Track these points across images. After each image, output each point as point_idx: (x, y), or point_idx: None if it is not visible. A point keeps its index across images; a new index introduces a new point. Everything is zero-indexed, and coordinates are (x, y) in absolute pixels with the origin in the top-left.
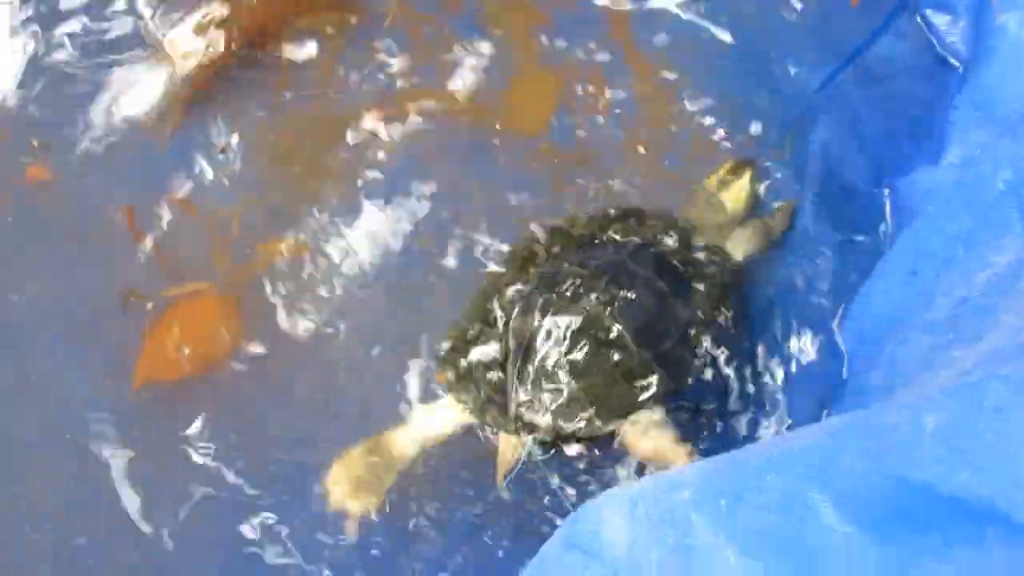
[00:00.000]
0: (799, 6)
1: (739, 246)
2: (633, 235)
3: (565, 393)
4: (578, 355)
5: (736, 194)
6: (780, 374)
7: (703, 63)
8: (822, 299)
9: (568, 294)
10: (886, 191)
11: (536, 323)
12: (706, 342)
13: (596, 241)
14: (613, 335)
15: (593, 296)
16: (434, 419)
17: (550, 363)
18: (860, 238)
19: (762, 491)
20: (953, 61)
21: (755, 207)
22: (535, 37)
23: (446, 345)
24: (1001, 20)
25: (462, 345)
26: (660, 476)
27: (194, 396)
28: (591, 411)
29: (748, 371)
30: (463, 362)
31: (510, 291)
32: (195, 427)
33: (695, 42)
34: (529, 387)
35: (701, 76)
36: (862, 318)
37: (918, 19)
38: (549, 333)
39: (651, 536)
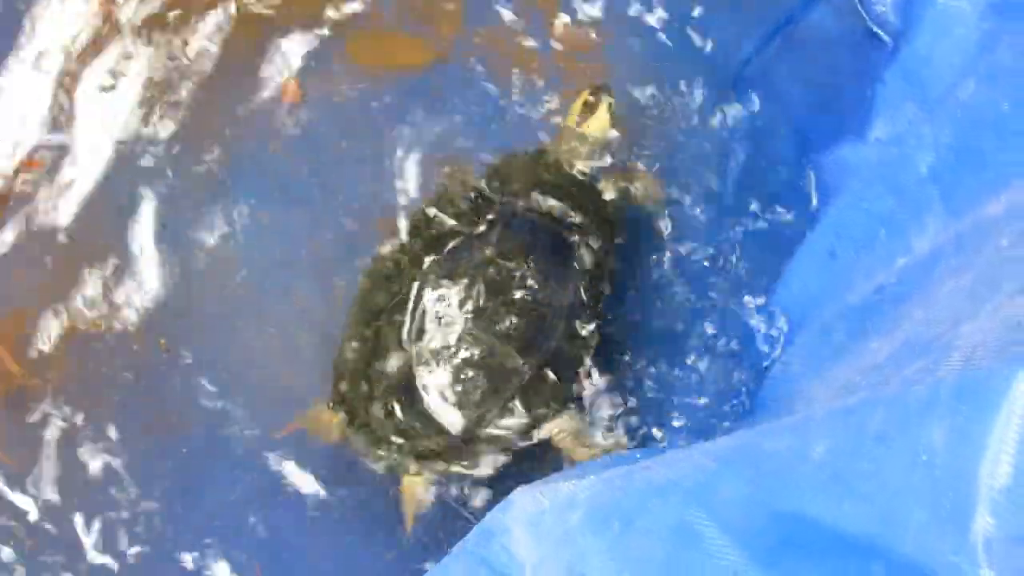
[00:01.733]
0: None
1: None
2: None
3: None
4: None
5: (597, 124)
6: (699, 357)
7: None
8: (743, 278)
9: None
10: (810, 166)
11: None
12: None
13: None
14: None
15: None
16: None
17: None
18: (785, 215)
19: (649, 515)
20: (882, 33)
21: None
22: None
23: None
24: None
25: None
26: (558, 488)
27: None
28: (484, 385)
29: (660, 353)
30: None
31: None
32: None
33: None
34: (431, 364)
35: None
36: (783, 300)
37: None
38: (442, 298)
39: (554, 555)
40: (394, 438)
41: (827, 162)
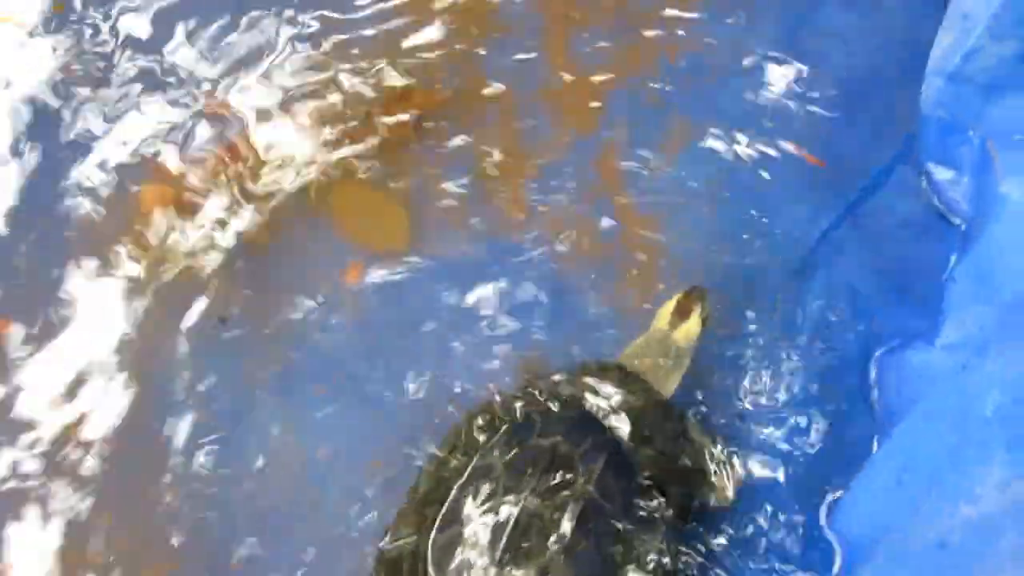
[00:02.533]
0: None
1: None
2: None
3: None
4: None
5: (687, 331)
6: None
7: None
8: (809, 481)
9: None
10: (874, 368)
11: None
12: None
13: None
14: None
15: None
16: None
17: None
18: (855, 418)
19: None
20: (955, 220)
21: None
22: None
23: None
24: (1004, 188)
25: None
26: None
27: None
28: None
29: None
30: None
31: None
32: None
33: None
34: None
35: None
36: (850, 518)
37: (920, 175)
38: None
39: None
40: None
41: (894, 363)
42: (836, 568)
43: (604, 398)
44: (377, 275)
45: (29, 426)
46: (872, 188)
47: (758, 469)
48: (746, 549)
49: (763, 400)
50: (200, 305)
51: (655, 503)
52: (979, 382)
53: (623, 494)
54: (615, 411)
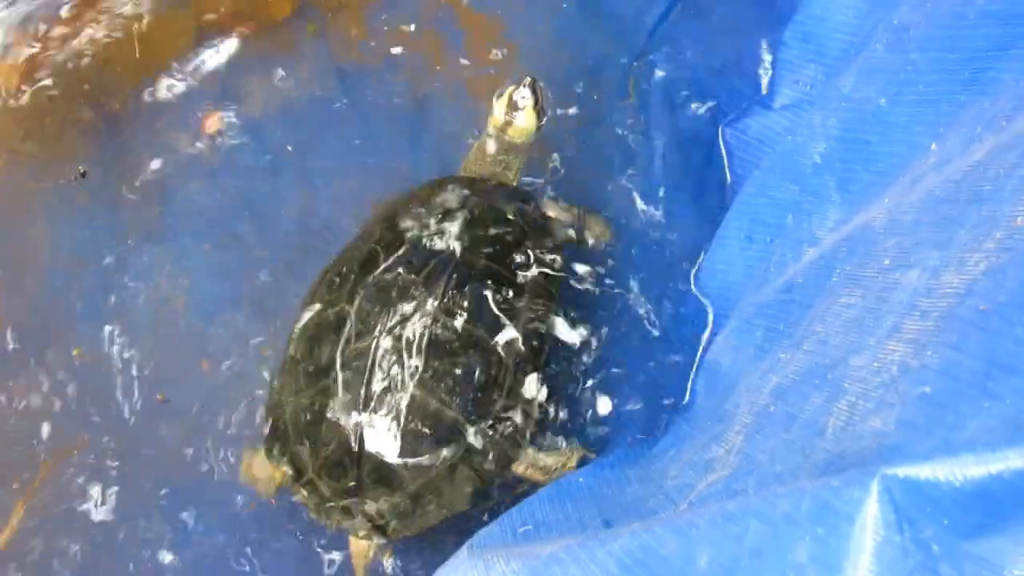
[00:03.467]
0: None
1: (562, 221)
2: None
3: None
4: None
5: (522, 126)
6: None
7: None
8: (678, 258)
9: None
10: (722, 136)
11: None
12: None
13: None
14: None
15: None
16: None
17: (392, 378)
18: (710, 189)
19: None
20: None
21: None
22: None
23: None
24: None
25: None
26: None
27: None
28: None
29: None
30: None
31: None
32: None
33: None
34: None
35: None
36: (711, 277)
37: None
38: (388, 348)
39: None
40: (342, 501)
41: (738, 131)
42: (706, 334)
43: (437, 211)
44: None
45: None
46: None
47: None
48: (620, 334)
49: (625, 179)
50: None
51: (512, 293)
52: (809, 134)
53: (473, 300)
54: (450, 216)
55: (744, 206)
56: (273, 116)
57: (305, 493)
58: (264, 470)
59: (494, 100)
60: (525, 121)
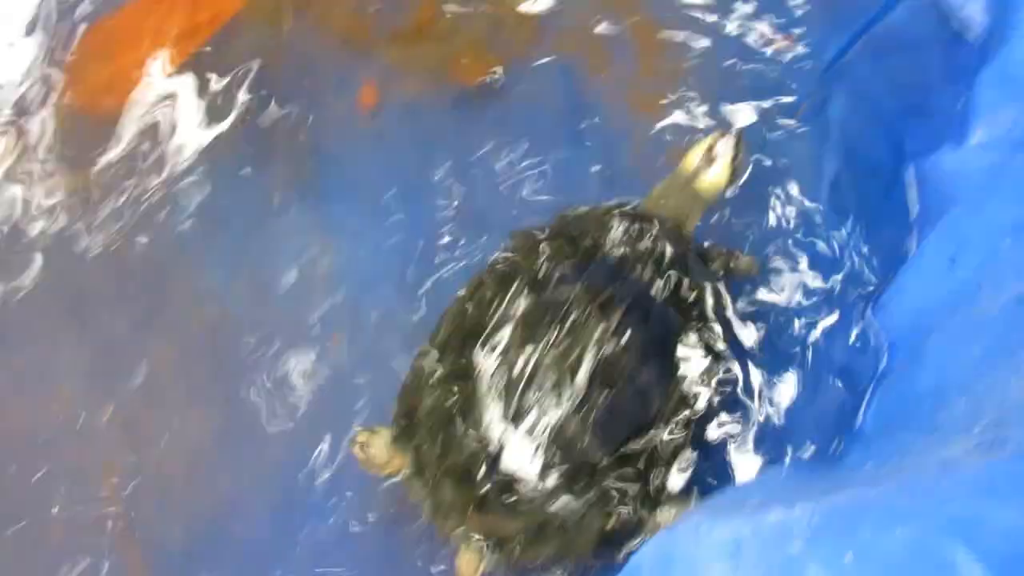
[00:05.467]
0: None
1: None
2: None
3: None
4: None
5: (715, 178)
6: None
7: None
8: (848, 290)
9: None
10: (911, 171)
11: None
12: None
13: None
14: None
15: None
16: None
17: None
18: (885, 222)
19: (890, 545)
20: (969, 35)
21: (731, 188)
22: None
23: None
24: None
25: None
26: (758, 516)
27: None
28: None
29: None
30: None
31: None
32: None
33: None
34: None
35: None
36: (897, 311)
37: None
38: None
39: None
40: (463, 510)
41: (928, 166)
42: (882, 365)
43: (626, 243)
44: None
45: None
46: (883, 10)
47: (791, 279)
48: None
49: (792, 214)
50: None
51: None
52: None
53: (646, 343)
54: (641, 257)
55: (948, 230)
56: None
57: (423, 491)
58: (382, 452)
59: (693, 146)
60: (719, 174)
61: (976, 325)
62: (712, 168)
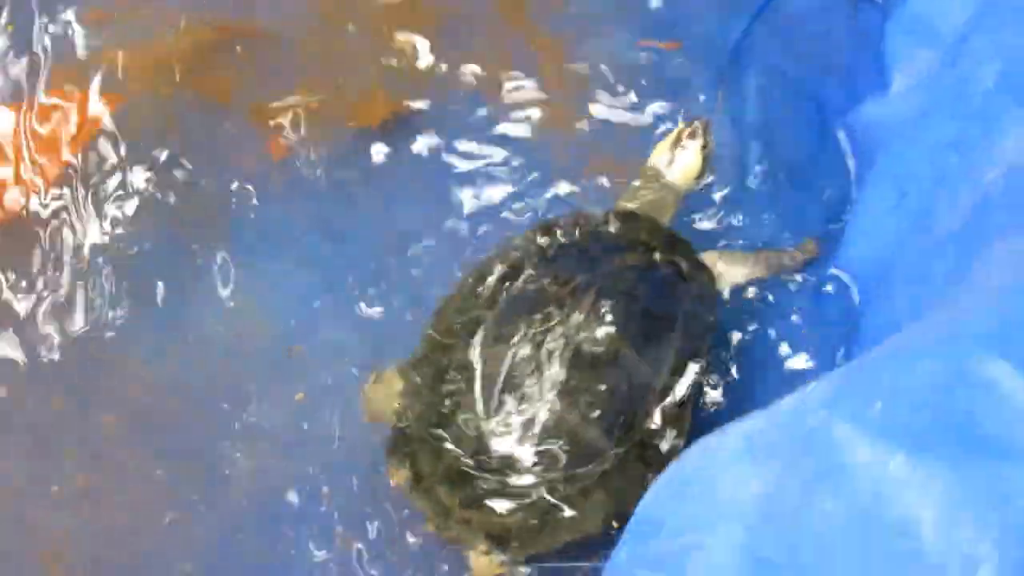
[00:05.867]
0: None
1: (735, 273)
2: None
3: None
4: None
5: (686, 167)
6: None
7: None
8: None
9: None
10: (840, 131)
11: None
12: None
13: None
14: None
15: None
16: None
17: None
18: (825, 182)
19: (919, 380)
20: None
21: (704, 177)
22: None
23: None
24: None
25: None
26: (769, 410)
27: None
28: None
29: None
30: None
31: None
32: None
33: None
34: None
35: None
36: (857, 256)
37: None
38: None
39: (786, 473)
40: (463, 512)
41: (855, 124)
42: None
43: (593, 235)
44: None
45: None
46: None
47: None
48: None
49: (732, 197)
50: None
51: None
52: (977, 55)
53: (626, 316)
54: (608, 243)
55: (890, 166)
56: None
57: (423, 500)
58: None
59: (658, 140)
60: (691, 164)
61: (937, 243)
62: (682, 159)
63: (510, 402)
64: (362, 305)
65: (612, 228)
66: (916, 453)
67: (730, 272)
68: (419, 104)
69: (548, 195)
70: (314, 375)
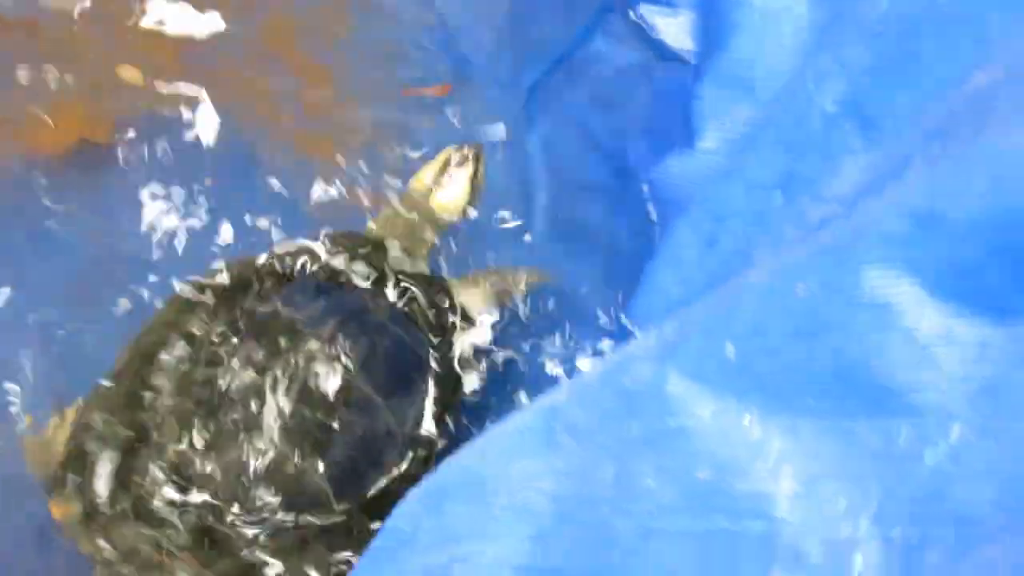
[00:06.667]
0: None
1: (473, 299)
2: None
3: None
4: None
5: (453, 198)
6: None
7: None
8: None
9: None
10: (644, 185)
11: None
12: None
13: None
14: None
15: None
16: None
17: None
18: (621, 237)
19: (772, 321)
20: (683, 55)
21: (469, 209)
22: None
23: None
24: None
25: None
26: (570, 386)
27: None
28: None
29: None
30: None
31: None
32: None
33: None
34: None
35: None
36: (652, 298)
37: (631, 17)
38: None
39: (597, 453)
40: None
41: (658, 179)
42: None
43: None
44: None
45: None
46: (580, 40)
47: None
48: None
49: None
50: None
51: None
52: (816, 81)
53: (368, 352)
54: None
55: (702, 215)
56: None
57: (95, 539)
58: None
59: (426, 164)
60: (458, 193)
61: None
62: (449, 186)
63: (221, 433)
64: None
65: (361, 257)
66: (772, 409)
67: (469, 299)
68: None
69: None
70: None
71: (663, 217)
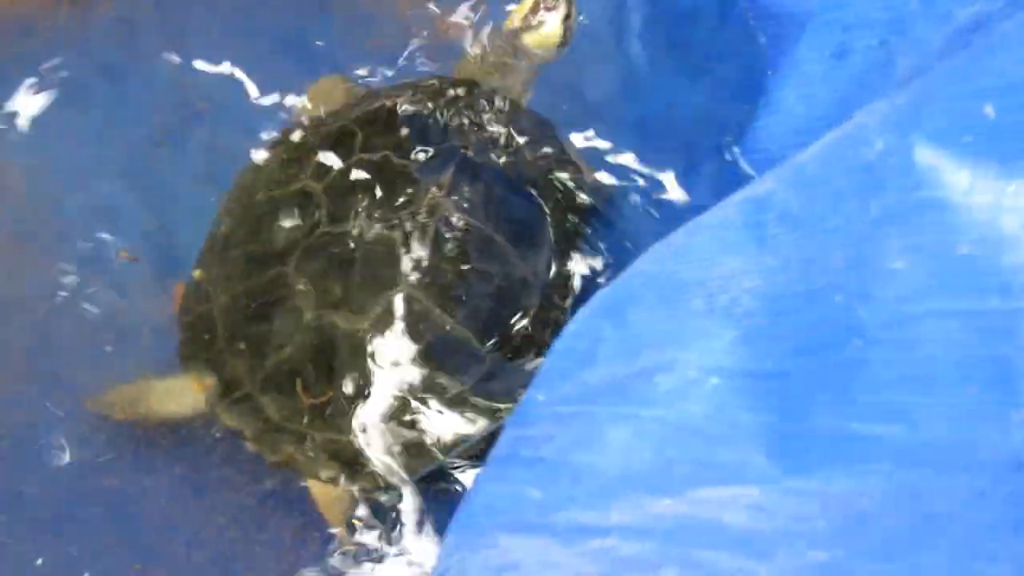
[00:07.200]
0: None
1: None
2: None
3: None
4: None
5: (548, 35)
6: None
7: None
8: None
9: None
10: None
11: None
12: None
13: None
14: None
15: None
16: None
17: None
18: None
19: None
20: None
21: (564, 48)
22: None
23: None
24: None
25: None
26: (770, 174)
27: None
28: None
29: None
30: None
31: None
32: None
33: None
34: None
35: None
36: (778, 138)
37: None
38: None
39: (820, 239)
40: (296, 425)
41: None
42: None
43: (442, 101)
44: None
45: None
46: None
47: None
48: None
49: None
50: None
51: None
52: None
53: (487, 204)
54: (469, 119)
55: (827, 22)
56: None
57: (237, 415)
58: (168, 398)
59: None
60: (550, 32)
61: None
62: (542, 26)
63: (360, 291)
64: None
65: (459, 99)
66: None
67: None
68: None
69: None
70: None
71: (775, 36)
